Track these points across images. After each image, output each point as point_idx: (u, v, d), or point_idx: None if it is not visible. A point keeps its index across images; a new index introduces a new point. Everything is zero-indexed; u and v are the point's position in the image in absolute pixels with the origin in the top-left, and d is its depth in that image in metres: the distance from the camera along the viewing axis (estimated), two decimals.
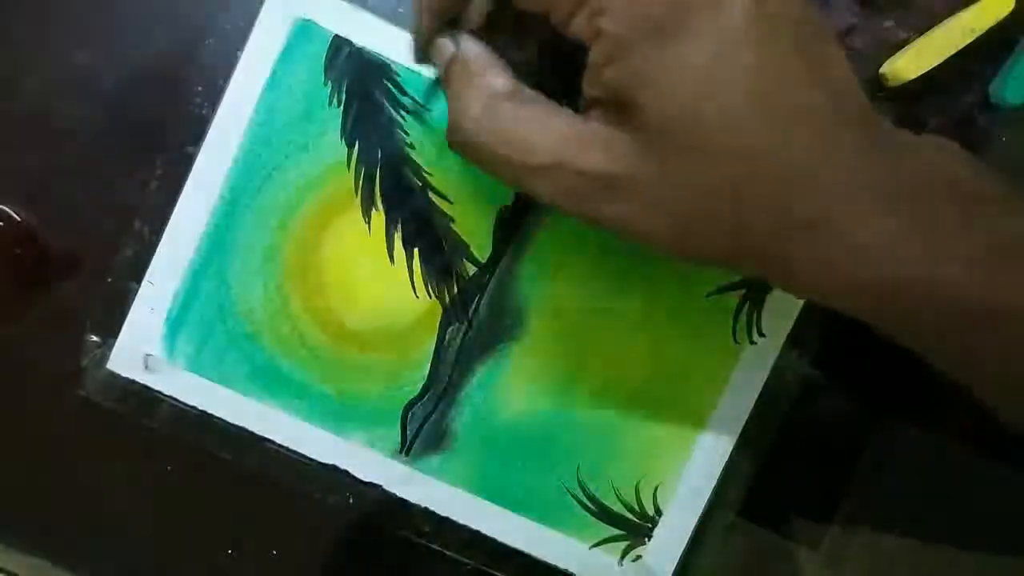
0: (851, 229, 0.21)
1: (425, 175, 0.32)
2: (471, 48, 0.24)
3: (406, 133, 0.32)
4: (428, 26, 0.25)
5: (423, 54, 0.26)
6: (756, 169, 0.21)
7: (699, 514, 0.34)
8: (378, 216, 0.32)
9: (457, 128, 0.24)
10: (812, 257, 0.22)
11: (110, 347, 0.33)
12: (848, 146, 0.21)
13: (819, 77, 0.21)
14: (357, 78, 0.32)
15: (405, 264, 0.33)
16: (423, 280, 0.33)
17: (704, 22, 0.20)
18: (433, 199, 0.32)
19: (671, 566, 0.34)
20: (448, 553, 0.34)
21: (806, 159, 0.21)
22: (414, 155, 0.32)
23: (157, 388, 0.33)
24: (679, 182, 0.21)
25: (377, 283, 0.33)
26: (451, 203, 0.32)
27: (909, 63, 0.32)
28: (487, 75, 0.23)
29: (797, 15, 0.21)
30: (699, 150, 0.21)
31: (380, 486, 0.33)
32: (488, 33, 0.25)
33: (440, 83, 0.25)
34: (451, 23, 0.25)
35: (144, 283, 0.32)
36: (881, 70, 0.32)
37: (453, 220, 0.32)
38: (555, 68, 0.26)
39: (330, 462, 0.33)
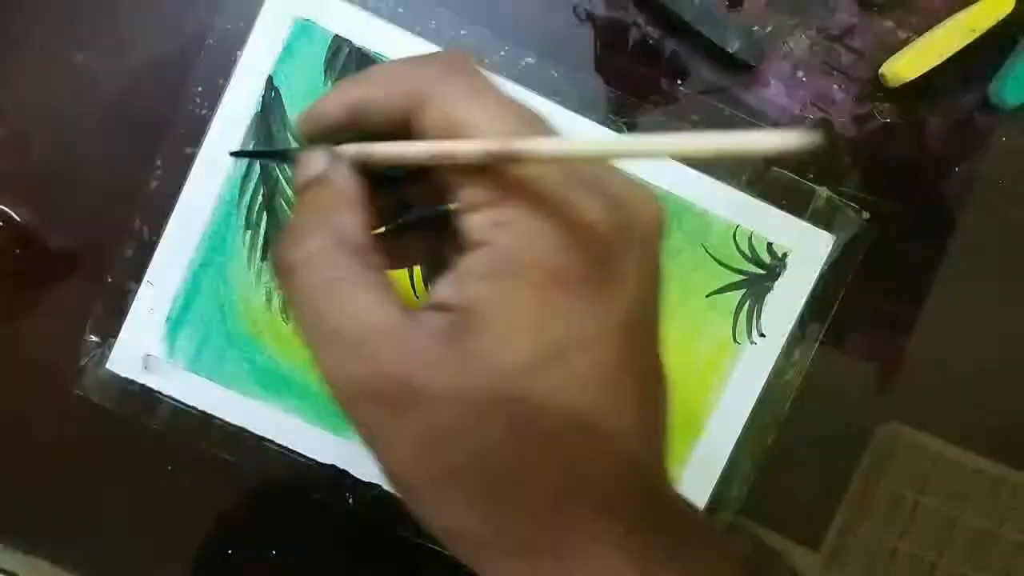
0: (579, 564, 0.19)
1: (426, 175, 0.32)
2: (343, 175, 0.21)
3: (406, 133, 0.32)
4: (310, 128, 0.22)
5: (304, 134, 0.22)
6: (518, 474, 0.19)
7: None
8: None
9: (286, 251, 0.20)
10: (531, 552, 0.19)
11: (110, 347, 0.33)
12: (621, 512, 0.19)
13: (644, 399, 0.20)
14: None
15: None
16: (423, 280, 0.33)
17: (581, 310, 0.19)
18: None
19: None
20: (448, 553, 0.34)
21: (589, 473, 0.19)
22: None
23: (157, 388, 0.33)
24: (472, 432, 0.19)
25: None
26: (451, 203, 0.32)
27: (909, 63, 0.32)
28: (347, 215, 0.20)
29: (656, 354, 0.20)
30: (493, 412, 0.18)
31: (380, 486, 0.33)
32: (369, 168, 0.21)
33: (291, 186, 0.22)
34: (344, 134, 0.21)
35: (144, 283, 0.32)
36: (881, 70, 0.32)
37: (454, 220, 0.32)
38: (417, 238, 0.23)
39: (330, 462, 0.33)
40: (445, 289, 0.19)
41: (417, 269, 0.32)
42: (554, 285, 0.18)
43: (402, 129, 0.21)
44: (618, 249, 0.19)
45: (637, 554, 0.19)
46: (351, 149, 0.21)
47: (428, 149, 0.19)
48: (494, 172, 0.19)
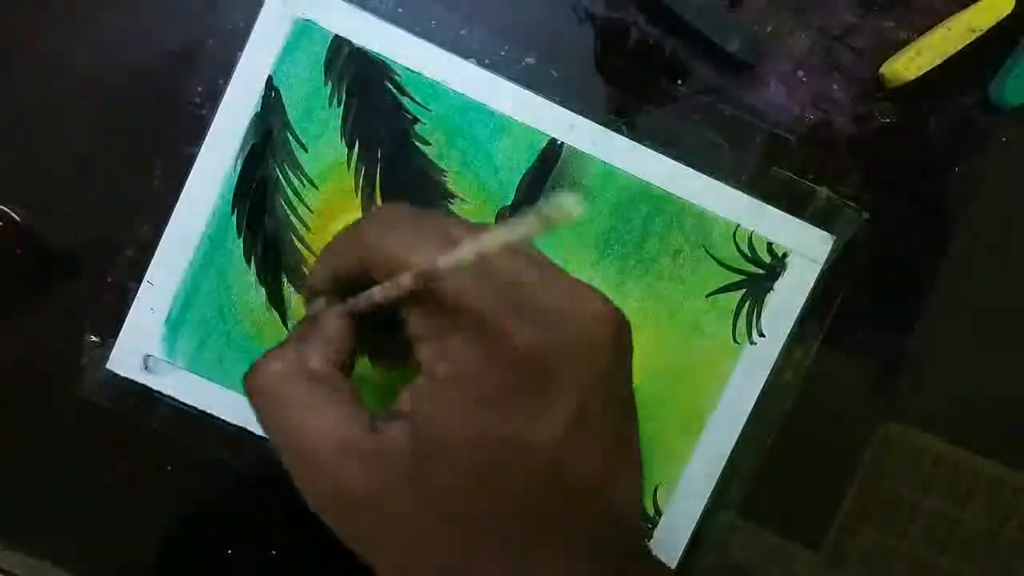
0: None
1: (425, 176, 0.32)
2: (326, 318, 0.24)
3: (406, 133, 0.32)
4: (318, 287, 0.26)
5: (306, 292, 0.27)
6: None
7: (699, 514, 0.34)
8: None
9: (254, 370, 0.23)
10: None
11: (110, 347, 0.33)
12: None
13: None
14: (357, 78, 0.32)
15: None
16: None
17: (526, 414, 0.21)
18: (433, 200, 0.32)
19: (671, 566, 0.34)
20: None
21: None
22: (414, 155, 0.32)
23: (157, 388, 0.33)
24: (425, 528, 0.21)
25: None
26: (451, 203, 0.32)
27: (909, 63, 0.32)
28: (315, 347, 0.24)
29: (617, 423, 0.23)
30: (449, 517, 0.21)
31: None
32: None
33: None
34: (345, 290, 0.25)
35: (144, 283, 0.32)
36: (881, 70, 0.32)
37: None
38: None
39: None
40: (405, 403, 0.22)
41: None
42: (485, 407, 0.21)
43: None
44: (551, 365, 0.21)
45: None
46: (350, 302, 0.25)
47: (379, 291, 0.23)
48: (433, 302, 0.22)
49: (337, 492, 0.22)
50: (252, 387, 0.23)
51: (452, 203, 0.32)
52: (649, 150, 0.32)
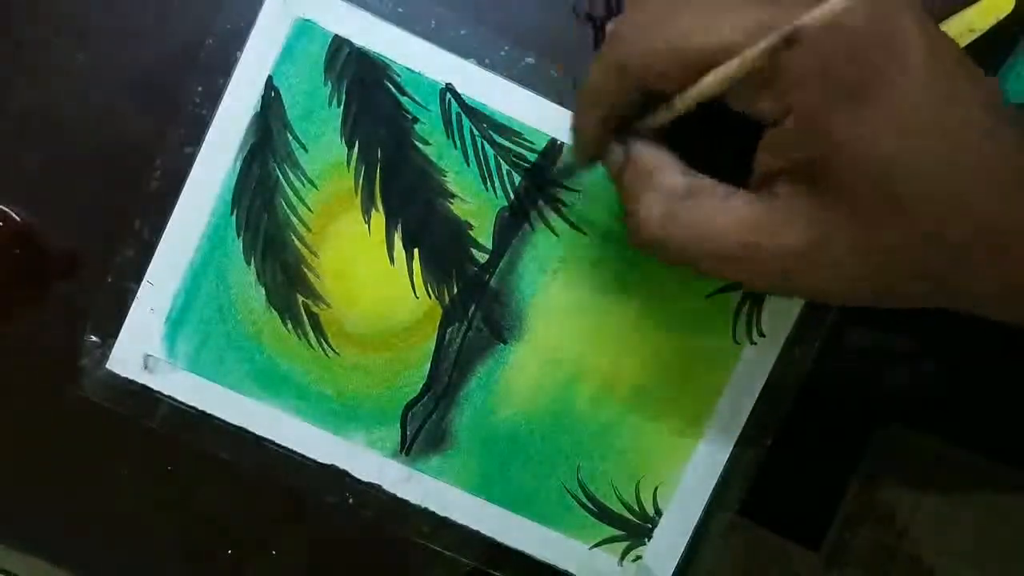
0: None
1: (425, 176, 0.32)
2: (644, 151, 0.24)
3: (406, 133, 0.32)
4: (596, 134, 0.24)
5: (589, 159, 0.26)
6: (956, 209, 0.21)
7: (699, 514, 0.34)
8: (378, 216, 0.32)
9: (641, 231, 0.24)
10: (1006, 274, 0.22)
11: (110, 347, 0.33)
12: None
13: (992, 104, 0.22)
14: (357, 78, 0.32)
15: (405, 264, 0.33)
16: (423, 280, 0.33)
17: (889, 81, 0.20)
18: (433, 200, 0.32)
19: (671, 566, 0.34)
20: (448, 553, 0.34)
21: (995, 192, 0.21)
22: (414, 155, 0.32)
23: (157, 388, 0.33)
24: (879, 237, 0.22)
25: (377, 283, 0.33)
26: (451, 203, 0.32)
27: None
28: (664, 176, 0.23)
29: (958, 53, 0.22)
30: (899, 202, 0.21)
31: (380, 486, 0.33)
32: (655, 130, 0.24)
33: (614, 183, 0.25)
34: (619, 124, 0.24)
35: (144, 283, 0.32)
36: None
37: (453, 220, 0.33)
38: (719, 146, 0.25)
39: (330, 462, 0.33)
40: (768, 163, 0.22)
41: (417, 269, 0.33)
42: (864, 109, 0.20)
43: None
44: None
45: None
46: (654, 120, 0.24)
47: (713, 79, 0.21)
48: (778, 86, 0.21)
49: (773, 261, 0.22)
50: (653, 247, 0.24)
51: (452, 203, 0.32)
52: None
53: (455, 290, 0.33)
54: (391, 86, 0.32)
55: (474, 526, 0.34)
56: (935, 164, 0.21)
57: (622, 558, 0.34)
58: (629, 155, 0.24)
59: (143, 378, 0.33)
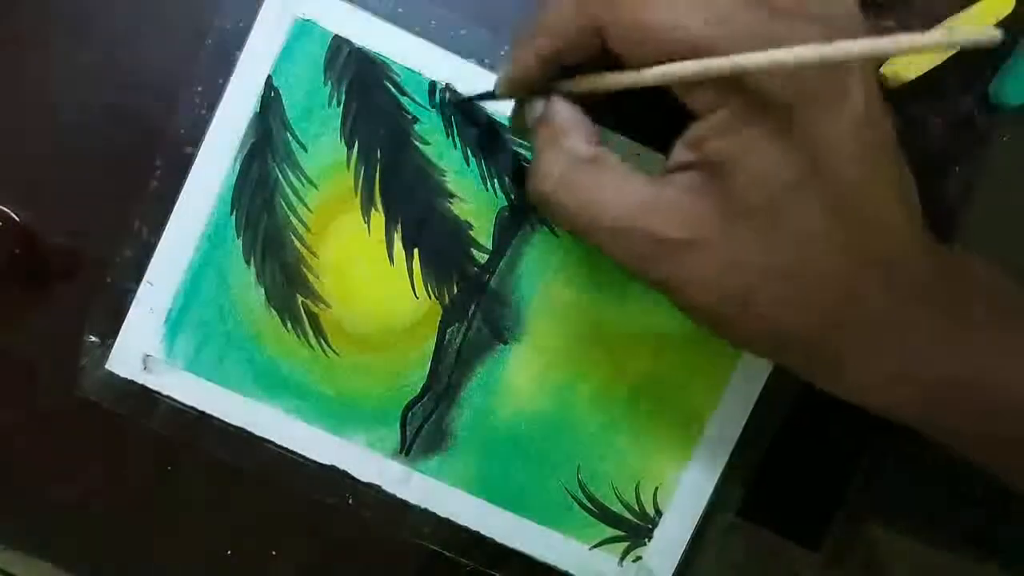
0: (907, 328, 0.23)
1: (425, 176, 0.32)
2: (558, 111, 0.24)
3: (406, 133, 0.32)
4: (531, 70, 0.24)
5: (511, 94, 0.26)
6: (833, 256, 0.22)
7: (699, 514, 0.34)
8: (378, 216, 0.32)
9: (537, 186, 0.24)
10: (863, 351, 0.23)
11: (109, 347, 0.33)
12: (915, 254, 0.23)
13: (904, 192, 0.23)
14: (357, 78, 0.32)
15: (405, 264, 0.33)
16: (423, 280, 0.33)
17: (820, 116, 0.21)
18: (433, 200, 0.32)
19: (671, 567, 0.34)
20: (448, 554, 0.34)
21: (880, 257, 0.22)
22: (414, 155, 0.32)
23: (156, 389, 0.33)
24: (754, 254, 0.22)
25: (377, 283, 0.33)
26: (451, 203, 0.32)
27: (909, 63, 0.32)
28: (571, 139, 0.24)
29: (889, 129, 0.23)
30: (781, 226, 0.22)
31: (379, 486, 0.33)
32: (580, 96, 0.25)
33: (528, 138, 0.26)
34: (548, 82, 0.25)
35: (144, 283, 0.32)
36: (881, 70, 0.32)
37: (453, 220, 0.32)
38: (640, 126, 0.26)
39: (330, 462, 0.33)
40: (681, 155, 0.23)
41: (417, 269, 0.32)
42: (786, 132, 0.21)
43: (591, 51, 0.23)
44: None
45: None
46: (581, 84, 0.24)
47: (657, 73, 0.22)
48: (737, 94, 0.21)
49: (652, 244, 0.23)
50: (540, 201, 0.24)
51: (452, 203, 0.32)
52: (650, 150, 0.32)
53: (455, 290, 0.33)
54: (391, 86, 0.32)
55: (474, 527, 0.34)
56: (830, 215, 0.22)
57: (622, 558, 0.34)
58: (547, 111, 0.25)
59: (143, 378, 0.33)
